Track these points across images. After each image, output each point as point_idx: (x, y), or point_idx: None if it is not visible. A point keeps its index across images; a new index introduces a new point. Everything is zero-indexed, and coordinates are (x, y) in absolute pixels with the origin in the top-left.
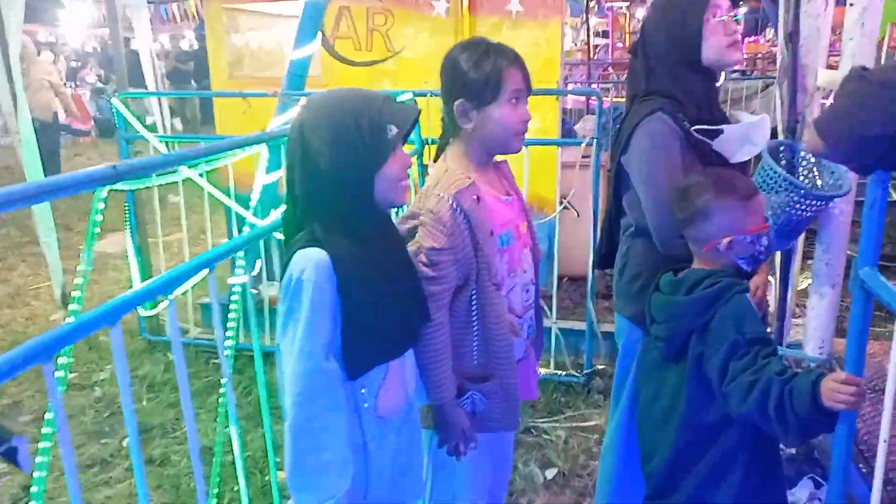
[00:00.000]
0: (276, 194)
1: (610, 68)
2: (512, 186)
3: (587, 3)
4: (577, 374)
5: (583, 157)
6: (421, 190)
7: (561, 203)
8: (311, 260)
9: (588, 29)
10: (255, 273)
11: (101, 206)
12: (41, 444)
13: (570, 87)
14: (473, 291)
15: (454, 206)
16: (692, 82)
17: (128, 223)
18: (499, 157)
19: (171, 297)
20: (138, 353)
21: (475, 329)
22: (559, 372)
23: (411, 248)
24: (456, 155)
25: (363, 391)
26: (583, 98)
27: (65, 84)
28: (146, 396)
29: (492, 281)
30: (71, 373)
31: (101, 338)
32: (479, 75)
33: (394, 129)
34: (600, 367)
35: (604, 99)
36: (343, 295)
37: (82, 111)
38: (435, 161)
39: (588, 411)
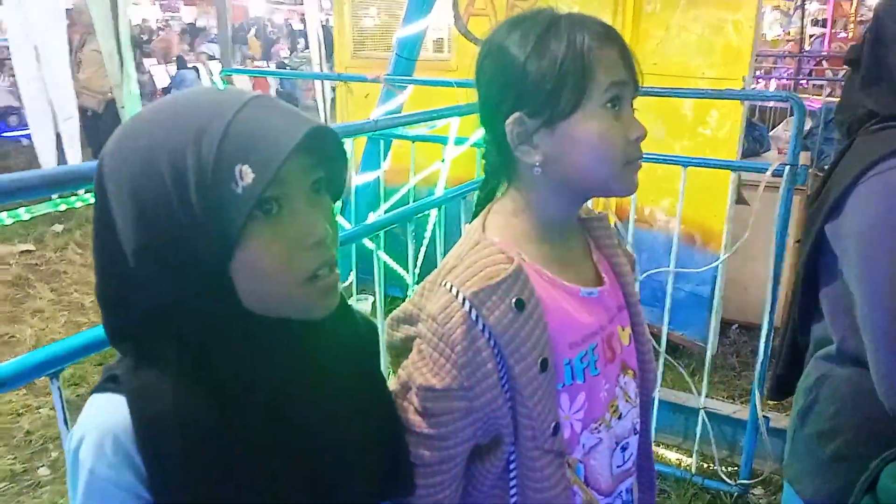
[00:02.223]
0: (376, 194)
1: (824, 62)
2: (611, 261)
3: None
4: (728, 481)
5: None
6: (431, 275)
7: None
8: (94, 423)
9: (803, 15)
10: (346, 284)
11: None
12: None
13: (771, 84)
14: (512, 457)
15: (472, 316)
16: None
17: None
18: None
19: None
20: None
21: None
22: (703, 466)
23: (394, 383)
24: (505, 212)
25: None
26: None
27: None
28: None
29: (542, 445)
30: None
31: None
32: (547, 66)
33: (248, 176)
34: (763, 474)
35: (813, 99)
36: (157, 492)
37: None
38: (471, 219)
39: None
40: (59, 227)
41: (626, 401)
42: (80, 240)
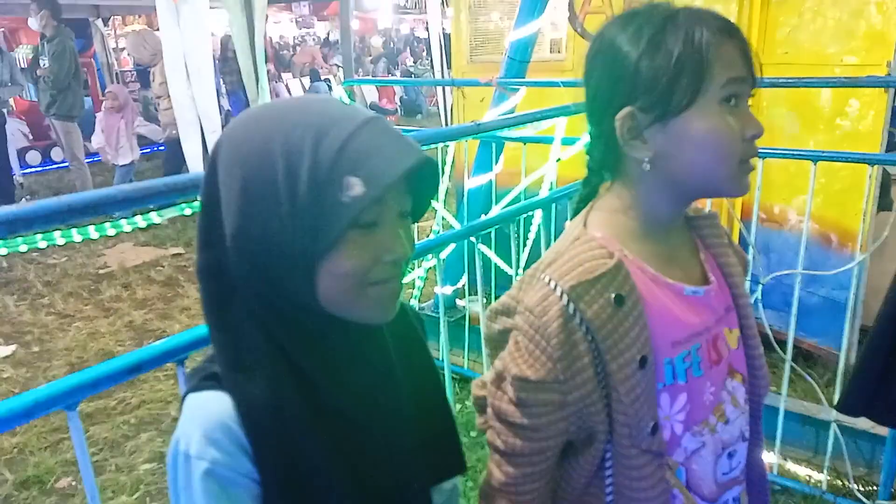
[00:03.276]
0: (488, 197)
1: None
2: (718, 261)
3: None
4: (865, 501)
5: None
6: (530, 269)
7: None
8: (204, 419)
9: None
10: (459, 286)
11: None
12: None
13: None
14: (608, 454)
15: (570, 309)
16: None
17: None
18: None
19: None
20: None
21: None
22: (836, 483)
23: (490, 373)
24: (608, 208)
25: None
26: None
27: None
28: None
29: (639, 444)
30: None
31: None
32: (662, 61)
33: (356, 188)
34: None
35: None
36: (268, 479)
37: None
38: (573, 216)
39: None
40: None
41: (735, 406)
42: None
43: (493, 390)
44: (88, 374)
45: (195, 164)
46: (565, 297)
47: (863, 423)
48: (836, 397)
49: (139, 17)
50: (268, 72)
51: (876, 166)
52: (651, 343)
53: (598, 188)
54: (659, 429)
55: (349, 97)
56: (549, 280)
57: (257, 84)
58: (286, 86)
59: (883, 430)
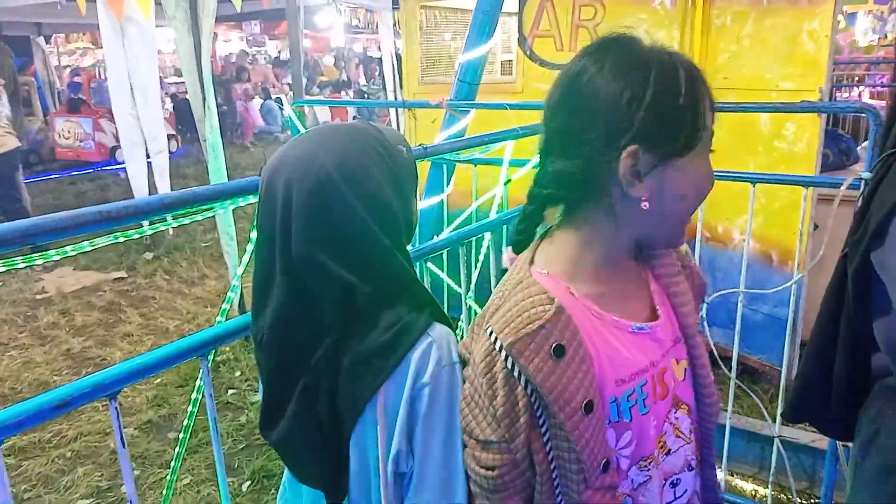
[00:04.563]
0: (439, 218)
1: None
2: (668, 291)
3: None
4: None
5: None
6: (478, 316)
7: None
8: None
9: None
10: None
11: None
12: None
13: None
14: (557, 490)
15: (510, 366)
16: None
17: None
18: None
19: None
20: None
21: None
22: (781, 497)
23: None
24: (565, 243)
25: None
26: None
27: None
28: None
29: (593, 483)
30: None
31: None
32: (676, 103)
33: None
34: None
35: None
36: None
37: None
38: (517, 249)
39: None
40: (149, 255)
41: (677, 436)
42: (167, 267)
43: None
44: (11, 413)
45: (140, 186)
46: (504, 354)
47: (804, 438)
48: (779, 412)
49: (83, 34)
50: (245, 90)
51: (811, 188)
52: (595, 385)
53: (539, 221)
54: (610, 464)
55: (299, 118)
56: (492, 334)
57: (204, 103)
58: (236, 104)
59: (823, 444)
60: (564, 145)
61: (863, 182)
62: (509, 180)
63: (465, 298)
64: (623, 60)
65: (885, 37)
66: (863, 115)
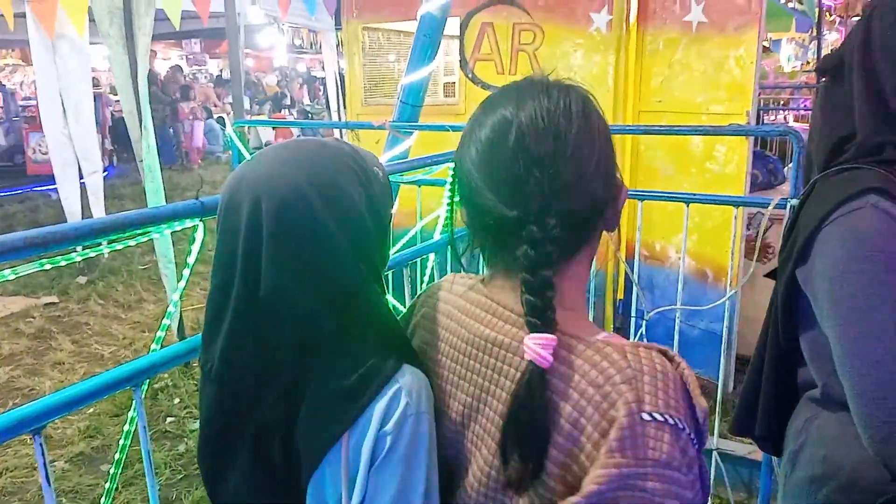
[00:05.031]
0: None
1: None
2: None
3: (819, 15)
4: None
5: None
6: None
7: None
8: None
9: (819, 46)
10: None
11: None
12: None
13: (789, 117)
14: None
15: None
16: None
17: None
18: None
19: None
20: None
21: None
22: None
23: None
24: (580, 300)
25: None
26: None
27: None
28: None
29: None
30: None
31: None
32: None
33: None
34: None
35: None
36: None
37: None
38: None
39: None
40: (82, 279)
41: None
42: (102, 291)
43: None
44: None
45: (72, 208)
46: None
47: (741, 450)
48: (717, 426)
49: (12, 50)
50: (192, 109)
51: (741, 207)
52: None
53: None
54: None
55: (240, 138)
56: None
57: (141, 123)
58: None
59: (759, 456)
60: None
61: (789, 204)
62: (453, 201)
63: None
64: (573, 94)
65: (808, 63)
66: (787, 137)
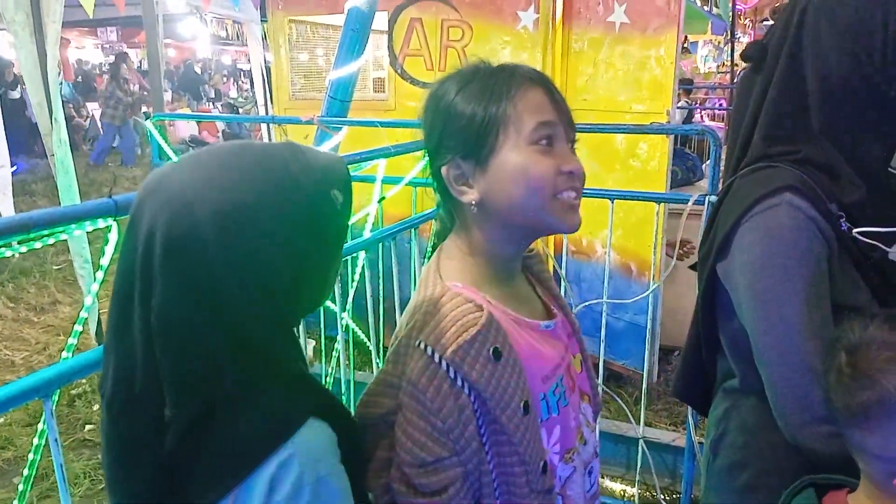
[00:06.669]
0: None
1: None
2: (553, 291)
3: (733, 18)
4: None
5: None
6: (395, 331)
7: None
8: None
9: (732, 48)
10: None
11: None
12: None
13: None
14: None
15: (454, 377)
16: (871, 143)
17: None
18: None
19: None
20: None
21: None
22: (646, 496)
23: (380, 458)
24: (457, 255)
25: None
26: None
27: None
28: None
29: (535, 487)
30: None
31: None
32: (476, 107)
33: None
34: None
35: None
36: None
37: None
38: (425, 260)
39: None
40: None
41: (588, 426)
42: (12, 293)
43: (396, 487)
44: None
45: None
46: (446, 365)
47: (665, 438)
48: (643, 415)
49: None
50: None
51: (663, 203)
52: (528, 383)
53: (444, 240)
54: (548, 465)
55: (160, 132)
56: (427, 348)
57: (51, 116)
58: (92, 117)
59: (682, 442)
60: (430, 170)
61: (707, 201)
62: (383, 198)
63: (341, 317)
64: (454, 81)
65: (723, 64)
66: (706, 136)
